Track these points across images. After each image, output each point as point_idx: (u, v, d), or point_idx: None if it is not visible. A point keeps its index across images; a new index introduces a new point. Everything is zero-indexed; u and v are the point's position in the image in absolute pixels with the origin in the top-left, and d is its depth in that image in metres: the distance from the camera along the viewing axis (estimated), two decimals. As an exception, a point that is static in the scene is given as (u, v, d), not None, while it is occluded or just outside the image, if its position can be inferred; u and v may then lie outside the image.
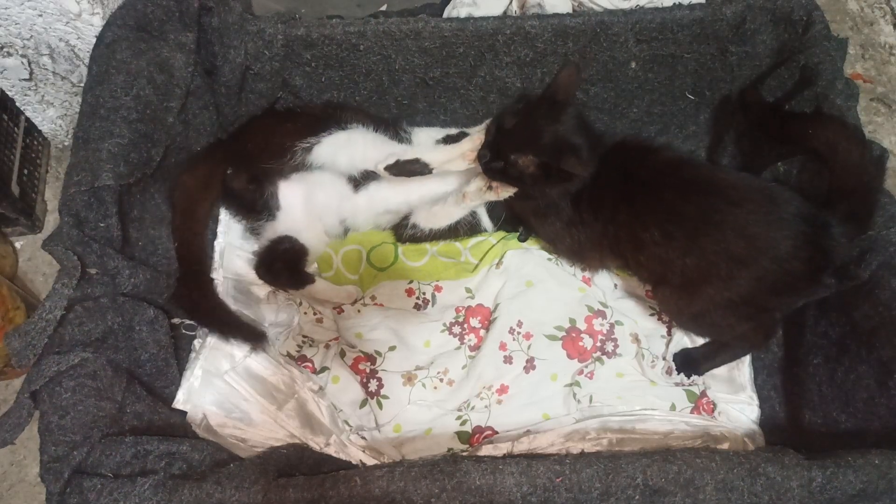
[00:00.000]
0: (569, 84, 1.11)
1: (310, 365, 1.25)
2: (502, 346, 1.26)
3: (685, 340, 1.28)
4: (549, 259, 1.35)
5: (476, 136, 1.18)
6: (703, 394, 1.24)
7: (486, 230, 1.39)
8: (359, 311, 1.31)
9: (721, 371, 1.27)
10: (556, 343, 1.27)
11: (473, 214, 1.35)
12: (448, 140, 1.32)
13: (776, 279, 1.05)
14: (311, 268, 1.37)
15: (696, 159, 1.42)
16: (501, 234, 1.39)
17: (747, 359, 1.28)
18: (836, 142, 1.05)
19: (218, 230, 1.36)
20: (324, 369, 1.24)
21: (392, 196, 1.29)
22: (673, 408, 1.22)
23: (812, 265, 1.04)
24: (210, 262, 1.33)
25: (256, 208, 1.30)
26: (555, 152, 1.08)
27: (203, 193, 1.28)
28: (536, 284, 1.31)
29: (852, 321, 1.07)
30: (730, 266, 1.06)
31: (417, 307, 1.33)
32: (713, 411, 1.23)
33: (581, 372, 1.25)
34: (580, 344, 1.27)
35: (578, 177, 1.09)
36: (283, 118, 1.33)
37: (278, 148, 1.25)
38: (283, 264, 1.29)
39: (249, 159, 1.28)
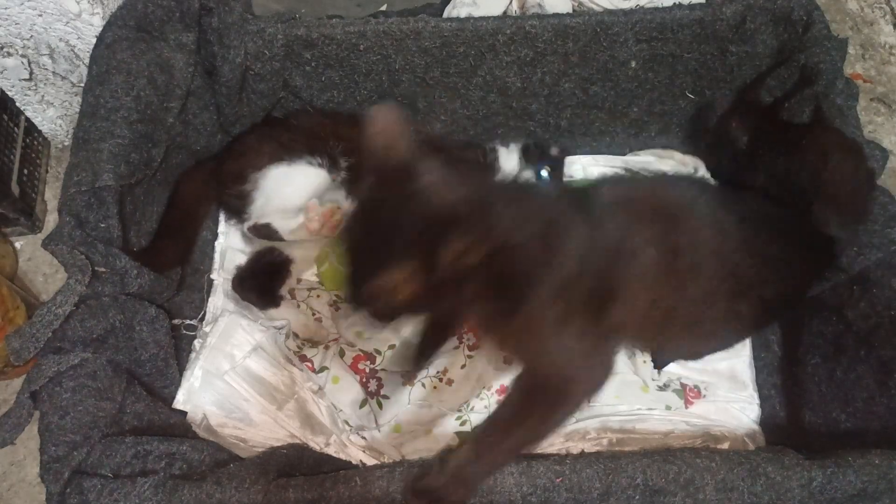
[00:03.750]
0: None
1: (309, 364, 1.25)
2: (502, 346, 1.26)
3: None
4: (549, 259, 1.35)
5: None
6: (686, 386, 1.23)
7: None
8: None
9: (723, 369, 1.27)
10: (556, 343, 1.26)
11: None
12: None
13: (774, 288, 1.05)
14: (309, 270, 1.37)
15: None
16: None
17: (749, 358, 1.27)
18: (831, 153, 1.05)
19: (218, 230, 1.36)
20: (323, 369, 1.24)
21: None
22: (668, 408, 1.22)
23: (811, 266, 1.05)
24: (210, 261, 1.33)
25: (242, 216, 1.31)
26: None
27: (204, 201, 1.29)
28: (536, 284, 1.31)
29: (852, 320, 1.07)
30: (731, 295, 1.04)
31: (414, 305, 1.33)
32: (700, 395, 1.22)
33: (581, 372, 1.24)
34: (580, 344, 1.27)
35: None
36: (264, 137, 1.29)
37: (237, 177, 1.25)
38: (253, 284, 1.28)
39: (221, 179, 1.28)
